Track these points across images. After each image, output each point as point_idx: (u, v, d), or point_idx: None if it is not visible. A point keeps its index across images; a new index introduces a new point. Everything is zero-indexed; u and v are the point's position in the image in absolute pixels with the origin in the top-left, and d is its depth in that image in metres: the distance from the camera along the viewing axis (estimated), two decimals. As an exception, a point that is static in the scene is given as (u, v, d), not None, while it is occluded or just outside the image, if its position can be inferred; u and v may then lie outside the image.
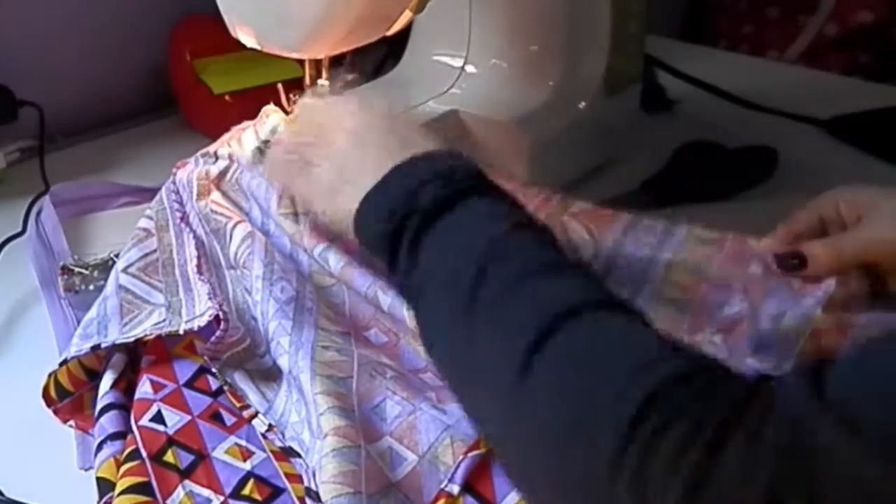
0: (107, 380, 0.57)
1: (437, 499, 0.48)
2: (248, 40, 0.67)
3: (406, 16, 0.69)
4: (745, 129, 0.99)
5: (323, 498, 0.45)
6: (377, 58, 1.08)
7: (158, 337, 0.58)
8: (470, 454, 0.49)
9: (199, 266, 0.63)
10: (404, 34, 0.86)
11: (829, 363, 0.34)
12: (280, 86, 0.73)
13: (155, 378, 0.57)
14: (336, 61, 0.71)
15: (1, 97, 0.92)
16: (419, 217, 0.48)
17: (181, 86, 1.04)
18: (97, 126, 1.04)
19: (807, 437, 0.32)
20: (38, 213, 0.78)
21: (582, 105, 0.88)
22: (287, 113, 0.74)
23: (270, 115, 0.71)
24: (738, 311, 0.54)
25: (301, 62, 0.72)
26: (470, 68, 0.87)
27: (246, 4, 0.66)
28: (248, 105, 0.82)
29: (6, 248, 0.77)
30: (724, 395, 0.35)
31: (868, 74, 1.50)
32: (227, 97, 0.98)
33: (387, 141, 0.53)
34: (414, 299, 0.49)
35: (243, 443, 0.53)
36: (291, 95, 0.72)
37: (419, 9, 0.68)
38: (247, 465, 0.51)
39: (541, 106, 0.84)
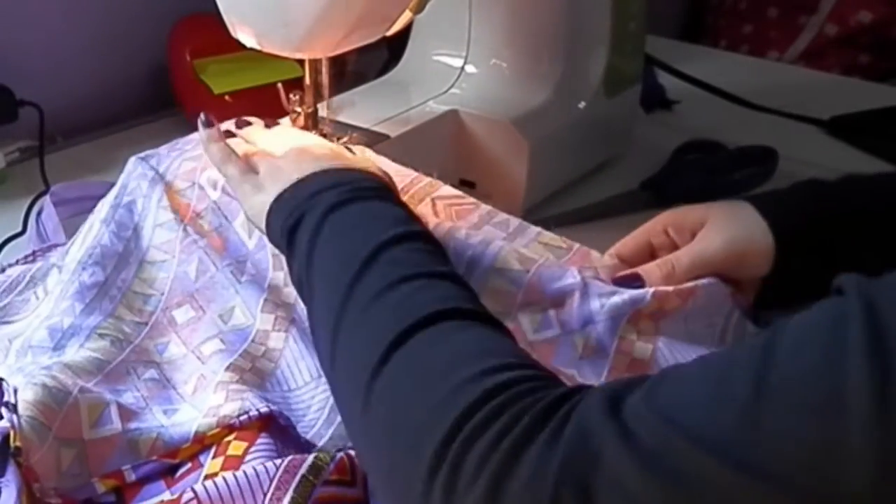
0: None
1: (112, 475, 0.51)
2: (248, 40, 0.67)
3: (406, 16, 0.69)
4: (745, 129, 0.99)
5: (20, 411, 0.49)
6: (379, 59, 1.08)
7: None
8: (161, 458, 0.52)
9: None
10: (404, 34, 0.86)
11: (635, 382, 0.37)
12: (280, 86, 0.73)
13: None
14: (336, 61, 0.71)
15: (1, 97, 0.92)
16: (315, 217, 0.52)
17: (181, 86, 1.04)
18: (97, 126, 1.04)
19: (590, 445, 0.34)
20: (38, 213, 0.78)
21: (582, 105, 0.88)
22: (287, 113, 0.74)
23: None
24: (569, 284, 0.56)
25: (301, 62, 0.72)
26: (470, 68, 0.87)
27: (246, 4, 0.66)
28: (248, 105, 0.82)
29: (6, 248, 0.77)
30: (538, 401, 0.38)
31: (868, 74, 1.50)
32: (227, 97, 0.98)
33: (321, 158, 0.59)
34: (305, 295, 0.52)
35: None
36: (291, 95, 0.72)
37: (419, 9, 0.68)
38: None
39: (541, 106, 0.84)
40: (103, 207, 0.67)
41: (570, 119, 0.87)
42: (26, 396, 0.50)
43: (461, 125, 0.83)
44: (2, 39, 0.95)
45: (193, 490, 0.47)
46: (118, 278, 0.64)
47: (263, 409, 0.53)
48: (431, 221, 0.61)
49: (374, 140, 0.76)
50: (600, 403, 0.36)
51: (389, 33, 0.70)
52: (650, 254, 0.61)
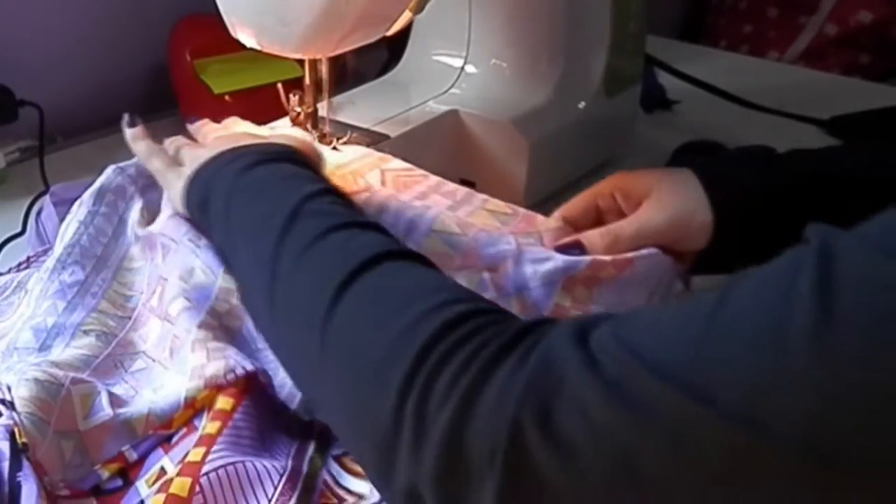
0: None
1: (114, 459, 0.52)
2: (248, 40, 0.67)
3: (406, 16, 0.69)
4: (745, 129, 0.99)
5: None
6: (379, 59, 1.08)
7: None
8: (158, 431, 0.53)
9: None
10: (404, 34, 0.86)
11: (605, 318, 0.38)
12: (280, 86, 0.73)
13: None
14: (336, 61, 0.71)
15: (1, 97, 0.92)
16: (226, 182, 0.55)
17: (181, 86, 1.04)
18: (97, 126, 1.04)
19: (555, 370, 0.36)
20: (38, 213, 0.78)
21: (582, 105, 0.88)
22: (287, 113, 0.74)
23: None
24: (504, 249, 0.57)
25: (301, 62, 0.72)
26: (470, 68, 0.87)
27: (246, 4, 0.66)
28: (248, 105, 0.82)
29: (6, 248, 0.77)
30: (504, 329, 0.39)
31: (868, 74, 1.50)
32: (227, 97, 0.98)
33: (239, 139, 0.61)
34: (228, 253, 0.55)
35: None
36: (291, 95, 0.72)
37: (419, 9, 0.68)
38: None
39: (541, 106, 0.84)
40: (80, 209, 0.68)
41: (570, 119, 0.87)
42: (21, 393, 0.51)
43: (461, 125, 0.83)
44: (2, 39, 0.95)
45: (200, 484, 0.47)
46: (98, 277, 0.64)
47: (249, 368, 0.54)
48: (377, 189, 0.62)
49: (374, 140, 0.76)
50: (568, 334, 0.37)
51: (389, 33, 0.70)
52: (596, 216, 0.62)
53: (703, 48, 1.45)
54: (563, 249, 0.58)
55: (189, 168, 0.60)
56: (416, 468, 0.38)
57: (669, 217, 0.57)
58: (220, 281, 0.60)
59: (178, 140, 0.67)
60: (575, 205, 0.62)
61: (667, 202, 0.58)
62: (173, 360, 0.58)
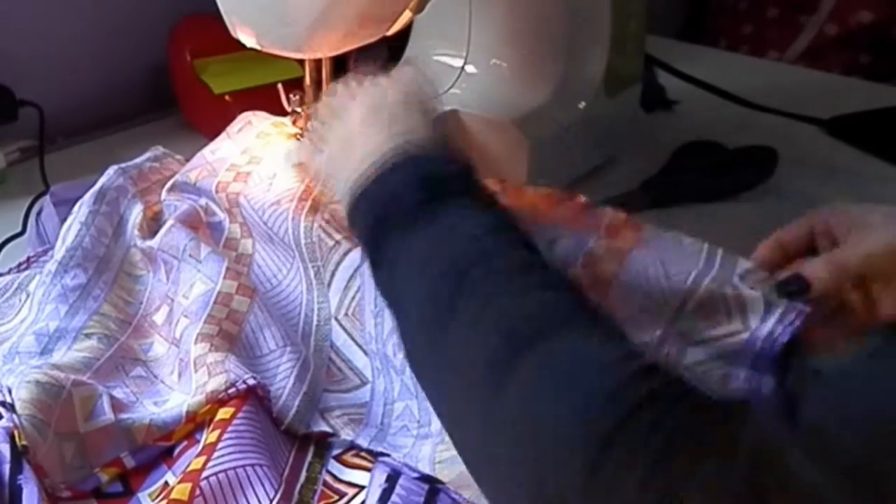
0: None
1: (112, 463, 0.52)
2: (248, 40, 0.67)
3: (406, 16, 0.69)
4: (745, 129, 0.99)
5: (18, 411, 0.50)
6: (379, 59, 1.08)
7: None
8: (158, 443, 0.53)
9: None
10: (404, 34, 0.86)
11: (803, 389, 0.34)
12: (280, 86, 0.73)
13: None
14: (336, 61, 0.71)
15: (1, 97, 0.92)
16: (401, 218, 0.49)
17: (181, 86, 1.04)
18: (97, 126, 1.04)
19: (775, 464, 0.32)
20: (38, 213, 0.78)
21: (582, 105, 0.88)
22: (287, 113, 0.74)
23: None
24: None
25: (301, 62, 0.72)
26: (470, 68, 0.87)
27: (246, 4, 0.66)
28: (248, 105, 0.82)
29: (6, 248, 0.77)
30: (697, 415, 0.35)
31: (868, 74, 1.50)
32: (227, 97, 0.98)
33: (390, 124, 0.53)
34: (393, 299, 0.49)
35: None
36: (291, 95, 0.72)
37: (419, 9, 0.68)
38: None
39: (541, 106, 0.84)
40: (82, 209, 0.68)
41: (571, 119, 0.87)
42: (21, 395, 0.51)
43: (461, 125, 0.82)
44: (2, 39, 0.95)
45: (200, 488, 0.47)
46: (100, 280, 0.64)
47: (251, 382, 0.54)
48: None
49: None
50: (775, 417, 0.34)
51: (389, 33, 0.70)
52: (810, 240, 0.58)
53: (703, 48, 1.45)
54: (785, 284, 0.53)
55: (329, 174, 0.55)
56: None
57: (892, 240, 0.53)
58: (221, 287, 0.60)
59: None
60: (789, 229, 0.58)
61: (889, 227, 0.53)
62: (181, 382, 0.58)
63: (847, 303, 0.54)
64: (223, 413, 0.52)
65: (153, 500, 0.50)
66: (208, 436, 0.51)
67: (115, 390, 0.56)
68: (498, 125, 0.81)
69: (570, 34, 0.85)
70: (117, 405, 0.54)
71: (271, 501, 0.48)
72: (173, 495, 0.47)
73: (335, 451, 0.55)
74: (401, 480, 0.51)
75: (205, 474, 0.48)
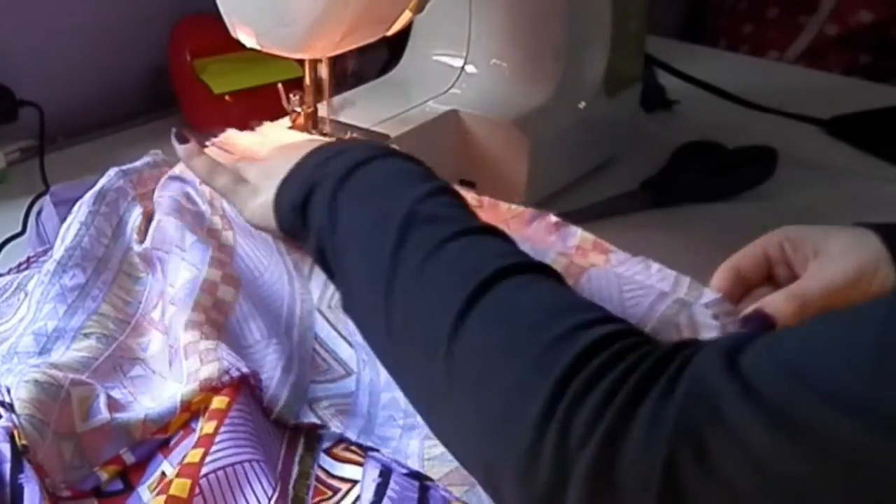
0: None
1: (111, 461, 0.52)
2: (248, 40, 0.67)
3: (406, 16, 0.69)
4: (745, 129, 0.99)
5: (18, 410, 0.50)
6: (379, 59, 1.08)
7: None
8: (155, 436, 0.53)
9: None
10: (404, 34, 0.86)
11: (750, 338, 0.36)
12: (280, 86, 0.73)
13: None
14: (336, 61, 0.71)
15: (1, 97, 0.92)
16: (331, 181, 0.51)
17: (181, 86, 1.04)
18: (97, 126, 1.04)
19: (707, 401, 0.34)
20: (38, 213, 0.78)
21: (582, 105, 0.88)
22: (287, 113, 0.74)
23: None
24: None
25: (301, 62, 0.72)
26: (470, 68, 0.87)
27: (246, 4, 0.66)
28: (248, 105, 0.82)
29: (6, 248, 0.77)
30: (644, 355, 0.37)
31: (868, 74, 1.50)
32: (227, 97, 0.98)
33: (309, 146, 0.58)
34: (334, 264, 0.51)
35: None
36: (291, 95, 0.72)
37: (419, 9, 0.68)
38: None
39: (541, 106, 0.84)
40: (81, 209, 0.68)
41: (571, 119, 0.87)
42: (20, 395, 0.51)
43: (461, 125, 0.83)
44: (2, 39, 0.95)
45: (200, 486, 0.47)
46: (98, 280, 0.64)
47: (244, 370, 0.54)
48: None
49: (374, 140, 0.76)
50: (716, 359, 0.35)
51: (389, 33, 0.70)
52: (767, 268, 0.57)
53: (703, 48, 1.45)
54: (748, 321, 0.52)
55: (267, 183, 0.57)
56: (558, 499, 0.37)
57: (855, 271, 0.52)
58: (206, 274, 0.60)
59: (222, 154, 0.64)
60: (745, 255, 0.57)
61: (848, 256, 0.53)
62: (172, 370, 0.58)
63: None
64: (218, 402, 0.52)
65: (151, 492, 0.50)
66: (204, 426, 0.51)
67: (113, 391, 0.56)
68: (498, 125, 0.81)
69: (570, 34, 0.85)
70: (113, 405, 0.54)
71: (269, 500, 0.48)
72: (172, 491, 0.47)
73: (325, 445, 0.55)
74: (393, 475, 0.52)
75: (204, 471, 0.48)
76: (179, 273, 0.62)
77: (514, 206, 0.61)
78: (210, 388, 0.53)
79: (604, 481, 0.35)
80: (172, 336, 0.59)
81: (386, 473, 0.52)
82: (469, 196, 0.61)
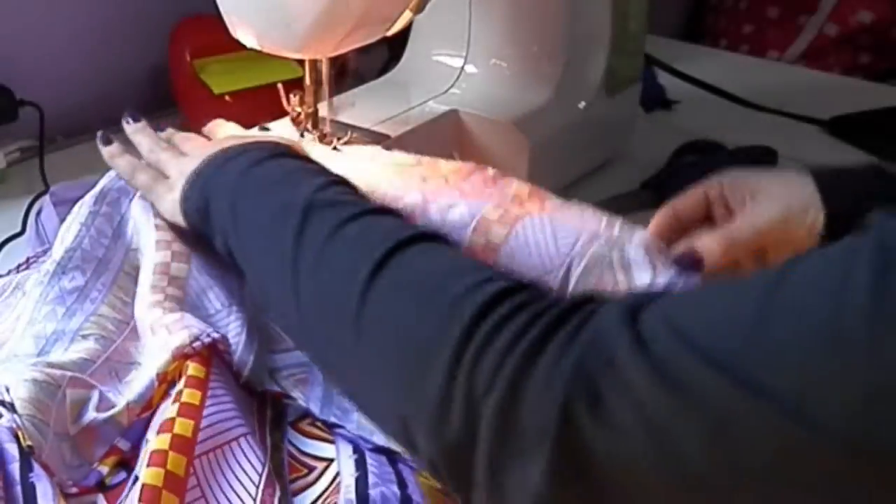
0: None
1: (109, 453, 0.52)
2: (248, 40, 0.67)
3: (406, 16, 0.69)
4: (745, 129, 0.99)
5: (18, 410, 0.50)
6: (379, 59, 1.08)
7: None
8: (142, 416, 0.53)
9: None
10: (404, 34, 0.86)
11: (653, 298, 0.37)
12: (280, 86, 0.73)
13: None
14: (336, 61, 0.71)
15: (1, 97, 0.92)
16: (232, 177, 0.54)
17: (181, 86, 1.04)
18: (97, 126, 1.03)
19: (604, 350, 0.35)
20: (38, 213, 0.78)
21: (582, 105, 0.88)
22: (287, 113, 0.74)
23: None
24: (411, 202, 0.57)
25: (301, 62, 0.72)
26: (470, 68, 0.87)
27: (246, 4, 0.66)
28: (248, 105, 0.82)
29: (6, 248, 0.77)
30: (548, 306, 0.39)
31: (868, 74, 1.50)
32: (227, 97, 0.98)
33: (225, 142, 0.60)
34: (241, 260, 0.53)
35: None
36: (291, 95, 0.72)
37: (419, 9, 0.68)
38: None
39: (541, 106, 0.84)
40: (82, 209, 0.68)
41: (571, 119, 0.87)
42: (20, 394, 0.51)
43: (461, 125, 0.83)
44: (2, 39, 0.95)
45: (194, 466, 0.47)
46: (98, 282, 0.64)
47: (215, 336, 0.54)
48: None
49: (374, 140, 0.76)
50: (617, 313, 0.37)
51: (389, 33, 0.70)
52: (706, 208, 0.59)
53: (703, 48, 1.46)
54: (679, 261, 0.54)
55: (179, 177, 0.59)
56: (468, 446, 0.38)
57: (782, 213, 0.54)
58: (155, 258, 0.61)
59: (156, 152, 0.65)
60: (686, 197, 0.59)
61: (779, 195, 0.55)
62: (144, 352, 0.58)
63: (741, 273, 0.55)
64: (195, 370, 0.52)
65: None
66: (185, 391, 0.51)
67: (108, 394, 0.56)
68: (498, 125, 0.81)
69: (570, 34, 0.85)
70: (103, 406, 0.54)
71: (259, 476, 0.48)
72: (168, 467, 0.47)
73: (290, 418, 0.55)
74: (365, 451, 0.52)
75: (197, 451, 0.48)
76: (140, 266, 0.63)
77: (452, 162, 0.62)
78: (182, 356, 0.53)
79: (508, 426, 0.37)
80: (140, 326, 0.59)
81: (360, 449, 0.52)
82: (408, 155, 0.63)
